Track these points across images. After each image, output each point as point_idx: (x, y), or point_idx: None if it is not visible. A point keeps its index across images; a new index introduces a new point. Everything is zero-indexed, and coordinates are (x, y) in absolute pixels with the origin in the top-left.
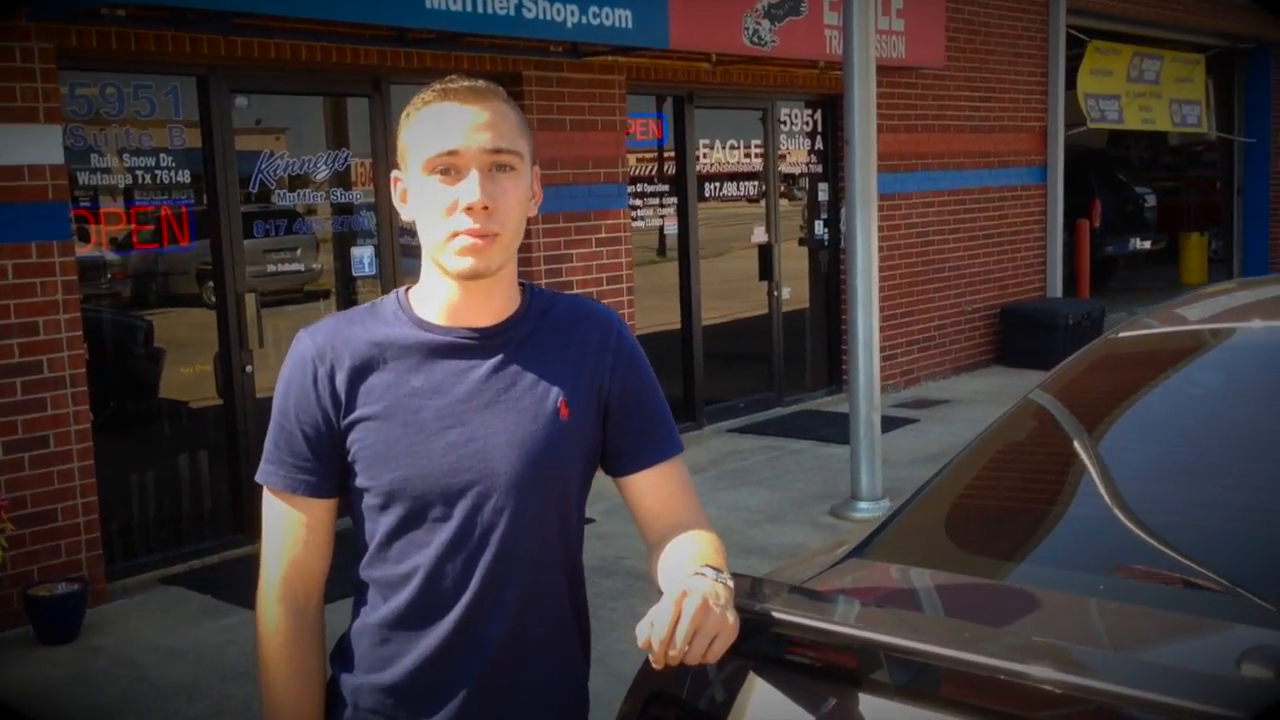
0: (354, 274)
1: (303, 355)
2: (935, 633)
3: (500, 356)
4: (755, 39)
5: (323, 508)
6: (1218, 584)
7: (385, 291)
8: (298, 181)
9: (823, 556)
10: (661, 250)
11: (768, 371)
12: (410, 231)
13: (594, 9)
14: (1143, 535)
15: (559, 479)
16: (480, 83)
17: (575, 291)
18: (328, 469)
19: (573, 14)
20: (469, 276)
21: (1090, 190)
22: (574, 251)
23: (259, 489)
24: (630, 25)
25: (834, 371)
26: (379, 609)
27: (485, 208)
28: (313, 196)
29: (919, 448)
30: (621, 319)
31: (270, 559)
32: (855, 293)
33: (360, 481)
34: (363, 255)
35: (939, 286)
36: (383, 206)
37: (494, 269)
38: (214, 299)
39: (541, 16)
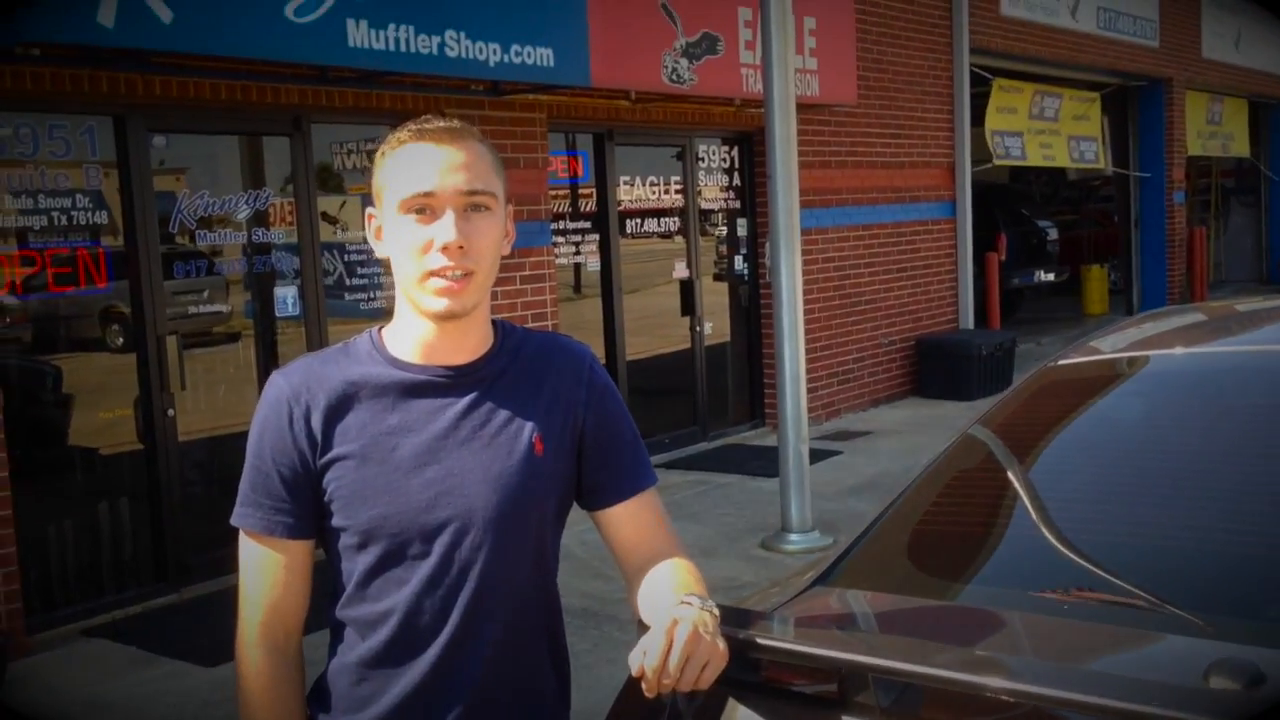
0: (277, 314)
1: (277, 396)
2: (918, 653)
3: (475, 394)
4: (674, 77)
5: (300, 549)
6: (1152, 601)
7: (309, 332)
8: (218, 221)
9: (780, 588)
10: (577, 288)
11: (692, 406)
12: (329, 271)
13: (516, 47)
14: (1093, 556)
15: (535, 514)
16: (455, 123)
17: None
18: (305, 509)
19: (495, 52)
20: (445, 317)
21: (995, 224)
22: (499, 289)
23: (182, 536)
24: (552, 64)
25: (756, 406)
26: (356, 648)
27: (461, 247)
28: (234, 236)
29: (844, 479)
30: (593, 354)
31: (249, 602)
32: (781, 325)
33: (337, 521)
34: (286, 295)
35: (856, 320)
36: (305, 246)
37: (469, 308)
38: (119, 342)
39: (464, 55)
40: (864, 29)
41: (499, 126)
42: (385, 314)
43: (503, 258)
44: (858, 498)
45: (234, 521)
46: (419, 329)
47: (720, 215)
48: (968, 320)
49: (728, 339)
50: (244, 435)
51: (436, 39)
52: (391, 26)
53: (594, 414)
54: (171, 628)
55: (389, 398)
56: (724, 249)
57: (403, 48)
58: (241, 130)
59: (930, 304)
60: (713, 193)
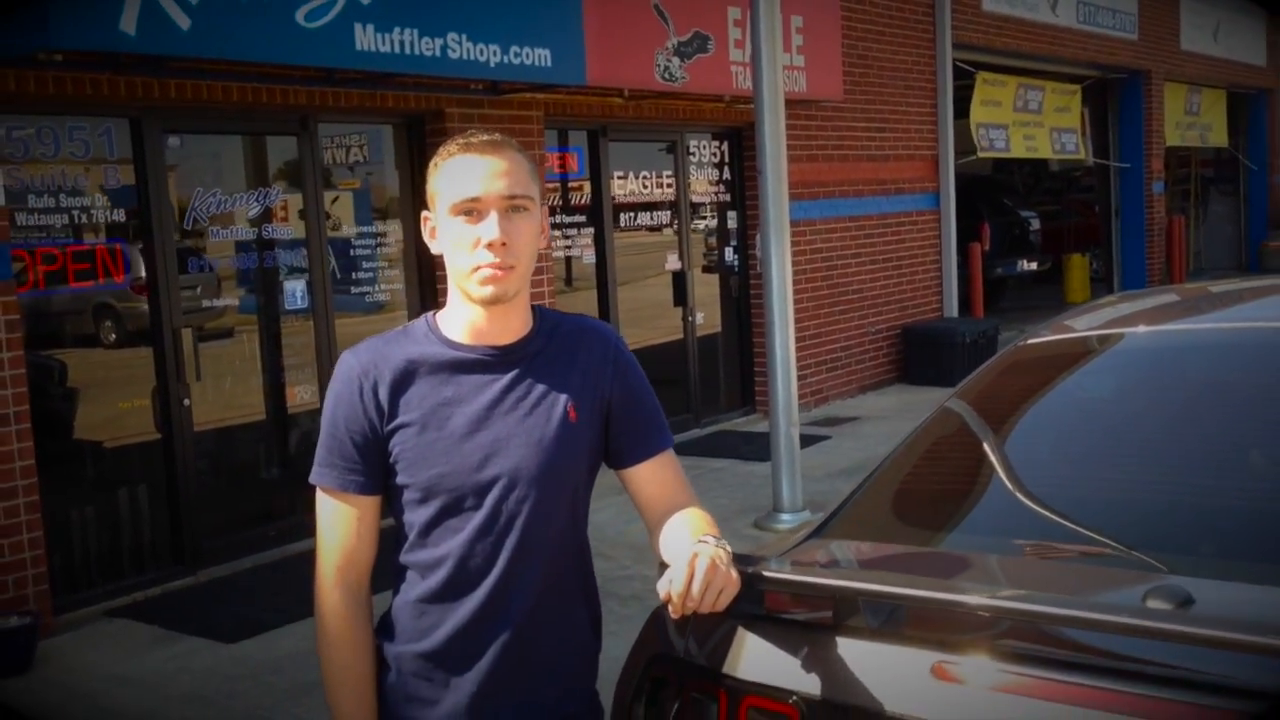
0: (286, 308)
1: (349, 372)
2: (901, 580)
3: (517, 370)
4: (666, 75)
5: (370, 503)
6: (1117, 546)
7: (317, 325)
8: (229, 218)
9: (779, 541)
10: (572, 280)
11: (685, 394)
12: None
13: (515, 48)
14: (1055, 509)
15: (570, 473)
16: (497, 136)
17: None
18: (373, 469)
19: (495, 53)
20: (491, 302)
21: (979, 215)
22: None
23: (198, 521)
24: (550, 64)
25: (747, 393)
26: (417, 587)
27: (504, 244)
28: (244, 232)
29: (832, 463)
30: (618, 334)
31: (326, 550)
32: (772, 314)
33: (401, 479)
34: (295, 289)
35: (844, 309)
36: (313, 242)
37: (511, 295)
38: (113, 338)
39: (466, 56)
40: (849, 26)
41: (498, 125)
42: (387, 307)
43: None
44: (846, 480)
45: (313, 480)
46: (469, 314)
47: (711, 208)
48: (952, 309)
49: (719, 329)
50: (256, 424)
51: (439, 41)
52: (397, 30)
53: (620, 386)
54: (190, 608)
55: (444, 373)
56: (714, 241)
57: (408, 50)
58: (252, 130)
59: (916, 293)
60: (703, 186)
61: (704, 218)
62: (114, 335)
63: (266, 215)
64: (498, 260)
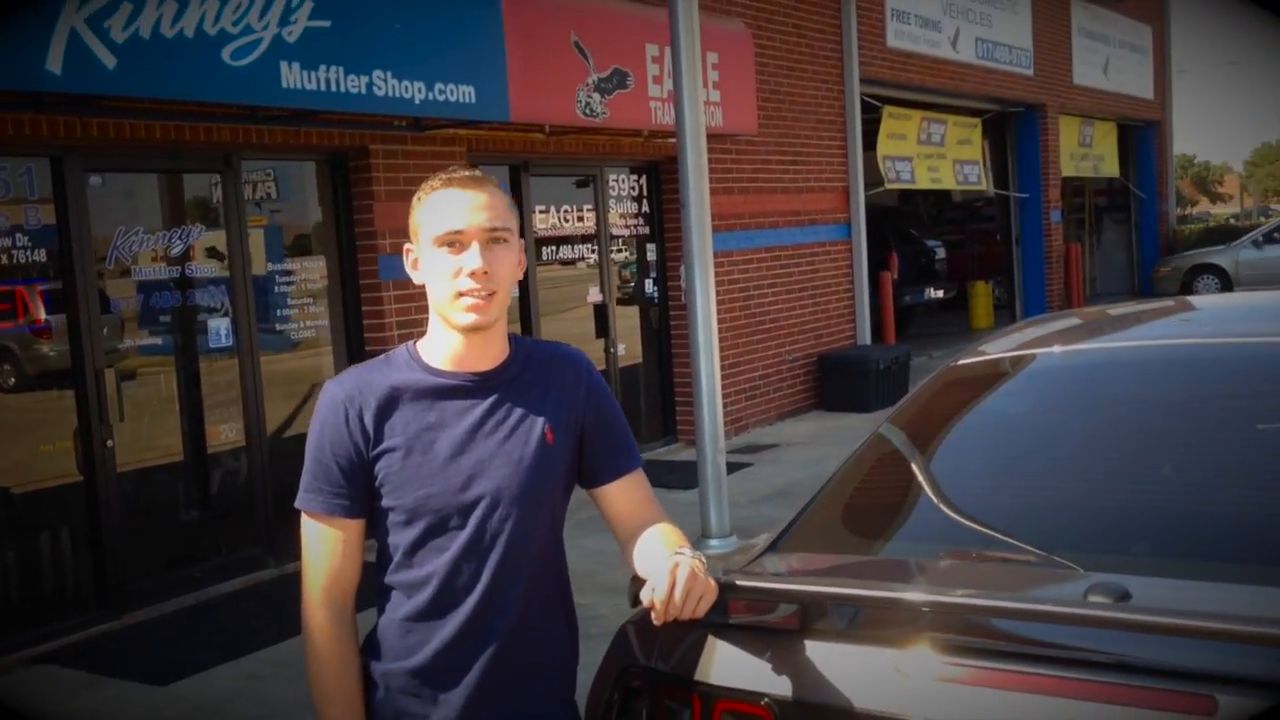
0: (211, 346)
1: (334, 399)
2: (864, 584)
3: (496, 395)
4: (587, 110)
5: (355, 526)
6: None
7: (242, 363)
8: (152, 257)
9: (739, 556)
10: None
11: None
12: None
13: (440, 85)
14: (991, 516)
15: (549, 492)
16: (477, 172)
17: None
18: (359, 493)
19: (420, 90)
20: (472, 329)
21: (887, 245)
22: (423, 317)
23: (125, 563)
24: (474, 100)
25: (669, 423)
26: (403, 606)
27: (485, 272)
28: (168, 271)
29: (756, 489)
30: (589, 360)
31: (313, 573)
32: (697, 343)
33: (387, 502)
34: (219, 327)
35: (761, 338)
36: (237, 280)
37: (492, 322)
38: (12, 382)
39: (391, 94)
40: (762, 62)
41: (421, 161)
42: (311, 344)
43: (422, 287)
44: (770, 505)
45: (299, 505)
46: (450, 341)
47: (630, 241)
48: (865, 336)
49: (640, 360)
50: (180, 464)
51: (365, 79)
52: (323, 68)
53: (592, 410)
54: (117, 652)
55: (427, 399)
56: (632, 274)
57: (333, 87)
58: (175, 169)
59: (830, 322)
60: (623, 220)
61: (624, 250)
62: (13, 379)
63: (189, 253)
64: (479, 288)
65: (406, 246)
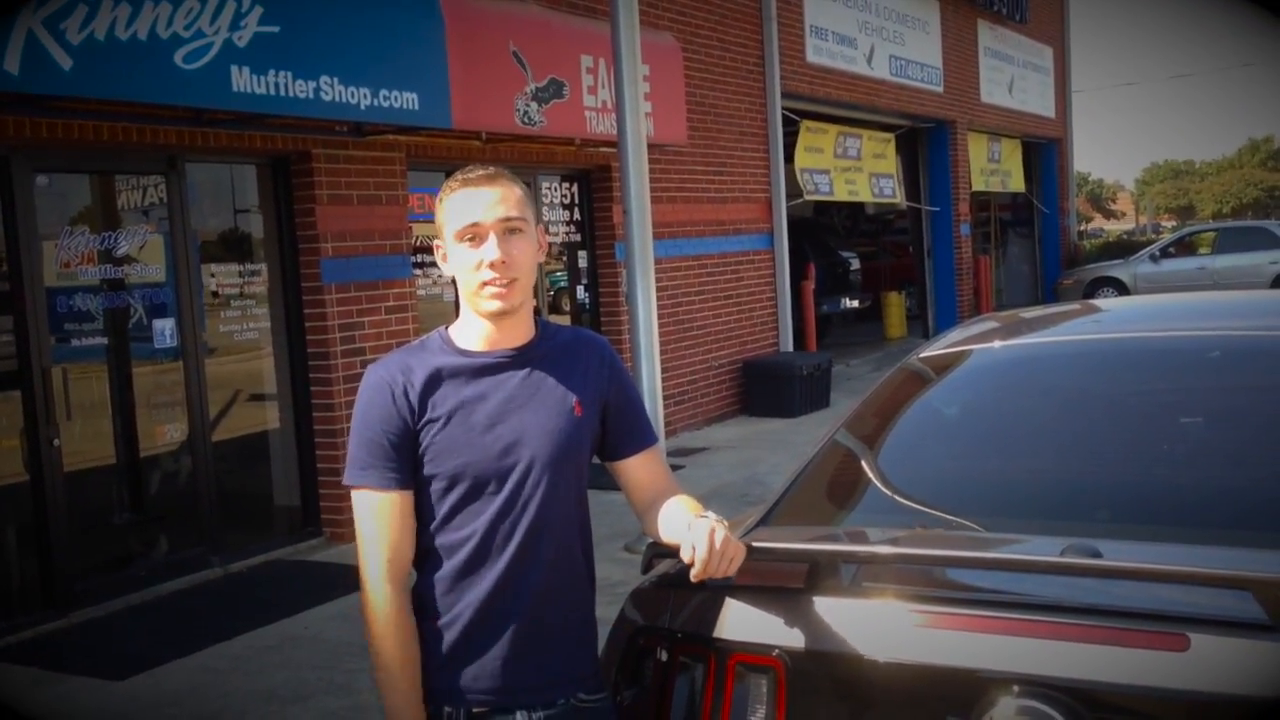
0: (156, 346)
1: (379, 381)
2: (873, 543)
3: (528, 370)
4: (526, 119)
5: (408, 498)
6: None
7: (186, 364)
8: (97, 257)
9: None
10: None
11: None
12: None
13: (384, 92)
14: (958, 493)
15: (577, 459)
16: (492, 169)
17: (369, 356)
18: (406, 465)
19: (365, 96)
20: (498, 315)
21: (804, 256)
22: (365, 319)
23: (72, 562)
24: (417, 107)
25: None
26: (442, 566)
27: (503, 262)
28: (113, 272)
29: (689, 490)
30: (610, 344)
31: (373, 548)
32: (639, 347)
33: (429, 470)
34: (164, 328)
35: (689, 344)
36: (182, 281)
37: (516, 307)
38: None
39: (338, 99)
40: (689, 74)
41: (362, 165)
42: (254, 345)
43: (368, 290)
44: (705, 506)
45: (353, 482)
46: (480, 325)
47: (561, 248)
48: (787, 344)
49: None
50: (126, 464)
51: (313, 84)
52: (272, 72)
53: (614, 388)
54: (67, 649)
55: (465, 376)
56: (566, 280)
57: (282, 92)
58: (120, 170)
59: (754, 329)
60: (555, 227)
61: (556, 258)
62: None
63: (133, 254)
64: (499, 277)
65: (435, 243)
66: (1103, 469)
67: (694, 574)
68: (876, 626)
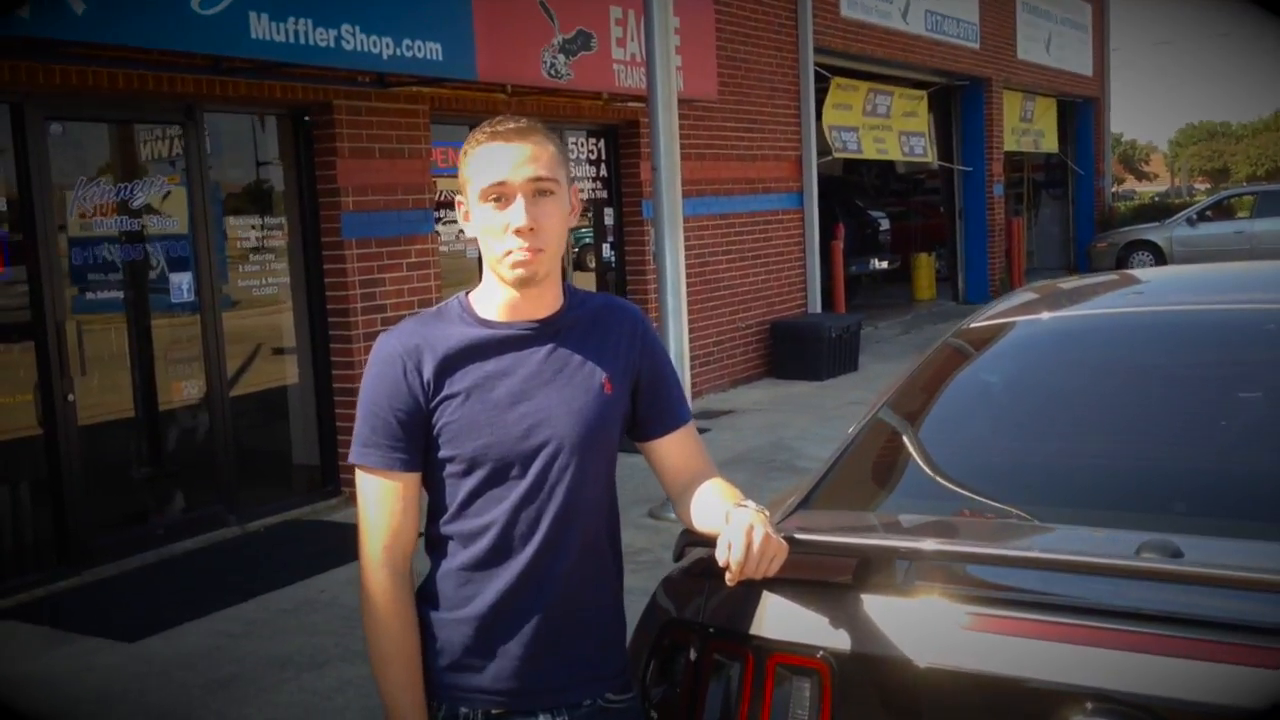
0: (173, 301)
1: (389, 353)
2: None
3: (553, 343)
4: (552, 71)
5: (413, 480)
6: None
7: (204, 318)
8: (114, 208)
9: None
10: (454, 277)
11: None
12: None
13: (407, 42)
14: (1014, 475)
15: (606, 440)
16: (524, 122)
17: (390, 314)
18: (415, 446)
19: (388, 46)
20: (522, 284)
21: (833, 215)
22: (386, 276)
23: (86, 519)
24: (440, 58)
25: None
26: (459, 556)
27: (531, 228)
28: (130, 223)
29: (715, 454)
30: (644, 312)
31: (372, 530)
32: (666, 306)
33: (445, 452)
34: (181, 282)
35: (716, 305)
36: (199, 234)
37: (542, 277)
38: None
39: (359, 48)
40: (720, 28)
41: (385, 118)
42: (272, 300)
43: (389, 245)
44: (730, 470)
45: (354, 460)
46: (503, 293)
47: (588, 206)
48: (816, 305)
49: None
50: (142, 419)
51: (333, 32)
52: (291, 19)
53: (647, 363)
54: (81, 608)
55: (484, 348)
56: (593, 237)
57: (302, 40)
58: (137, 119)
59: (782, 289)
60: (582, 184)
61: (582, 214)
62: (16, 326)
63: (151, 206)
64: (526, 244)
65: (458, 199)
66: (1165, 451)
67: (730, 577)
68: (933, 629)
